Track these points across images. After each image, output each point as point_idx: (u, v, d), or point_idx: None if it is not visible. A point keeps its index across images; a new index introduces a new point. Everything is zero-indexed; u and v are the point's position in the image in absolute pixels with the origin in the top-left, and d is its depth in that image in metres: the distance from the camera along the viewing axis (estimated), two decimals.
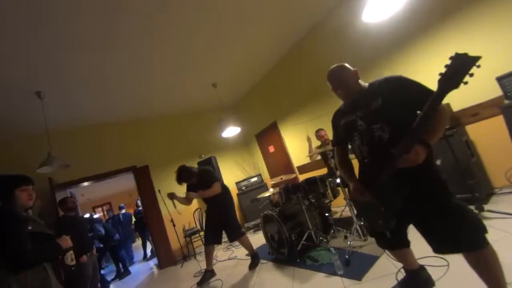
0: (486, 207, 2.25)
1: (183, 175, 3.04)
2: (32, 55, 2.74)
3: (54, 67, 3.04)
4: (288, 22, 3.74)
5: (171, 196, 3.04)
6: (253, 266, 3.03)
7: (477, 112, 2.65)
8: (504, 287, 1.10)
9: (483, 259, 1.10)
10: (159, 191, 4.81)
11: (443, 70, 0.94)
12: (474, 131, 2.72)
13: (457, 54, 0.90)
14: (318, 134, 3.74)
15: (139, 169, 4.96)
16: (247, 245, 3.11)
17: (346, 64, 1.42)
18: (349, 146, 1.54)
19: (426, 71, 2.82)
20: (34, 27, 2.41)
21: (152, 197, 4.86)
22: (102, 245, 5.83)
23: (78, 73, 3.29)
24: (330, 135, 3.61)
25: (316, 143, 3.86)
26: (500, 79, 2.22)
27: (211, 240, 3.08)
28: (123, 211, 6.39)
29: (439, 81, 0.94)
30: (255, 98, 5.87)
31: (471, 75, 0.89)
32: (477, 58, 0.88)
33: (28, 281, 1.29)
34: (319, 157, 3.82)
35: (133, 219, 6.58)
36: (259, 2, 3.11)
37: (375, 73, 3.25)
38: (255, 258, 3.10)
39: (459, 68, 0.90)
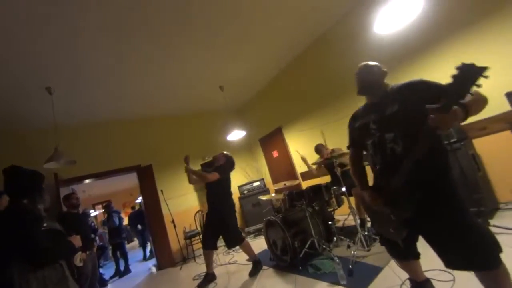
0: (491, 222, 2.24)
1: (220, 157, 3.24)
2: (44, 51, 2.79)
3: (65, 64, 3.09)
4: (298, 28, 3.78)
5: (186, 159, 3.14)
6: (254, 272, 2.97)
7: (485, 126, 2.65)
8: None
9: (495, 278, 1.08)
10: (162, 191, 4.84)
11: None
12: (481, 145, 2.72)
13: (463, 64, 0.87)
14: (321, 150, 3.62)
15: (142, 168, 4.98)
16: (249, 251, 3.06)
17: (377, 63, 1.41)
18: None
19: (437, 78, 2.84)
20: (46, 23, 2.45)
21: (154, 197, 4.87)
22: (101, 243, 5.84)
23: (87, 71, 3.35)
24: (341, 142, 3.62)
25: (315, 157, 3.80)
26: (509, 95, 2.22)
27: (209, 245, 3.06)
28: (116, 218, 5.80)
29: (447, 91, 0.93)
30: (261, 102, 5.90)
31: (479, 86, 0.86)
32: (484, 68, 0.84)
33: (46, 277, 1.31)
34: (316, 170, 3.78)
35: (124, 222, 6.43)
36: (270, 7, 3.15)
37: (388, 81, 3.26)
38: (257, 264, 3.03)
39: (466, 79, 0.87)
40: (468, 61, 0.87)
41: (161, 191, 4.84)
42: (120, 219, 5.78)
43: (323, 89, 4.28)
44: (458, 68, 0.88)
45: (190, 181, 3.20)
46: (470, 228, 1.11)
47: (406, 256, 1.45)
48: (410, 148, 1.15)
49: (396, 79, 3.17)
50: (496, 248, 1.07)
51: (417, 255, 1.43)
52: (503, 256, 1.06)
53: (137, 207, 7.31)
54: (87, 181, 4.85)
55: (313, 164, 3.74)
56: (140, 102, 4.71)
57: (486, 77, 0.85)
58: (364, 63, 1.43)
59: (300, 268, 2.60)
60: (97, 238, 5.70)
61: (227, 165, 3.23)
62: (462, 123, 1.01)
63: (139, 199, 6.45)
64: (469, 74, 0.86)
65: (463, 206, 1.16)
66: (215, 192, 3.09)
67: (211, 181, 3.01)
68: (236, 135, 4.84)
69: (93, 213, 7.95)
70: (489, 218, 2.33)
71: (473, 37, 2.62)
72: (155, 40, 3.15)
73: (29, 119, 4.03)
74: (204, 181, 3.04)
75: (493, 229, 2.10)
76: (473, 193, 2.34)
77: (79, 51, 2.95)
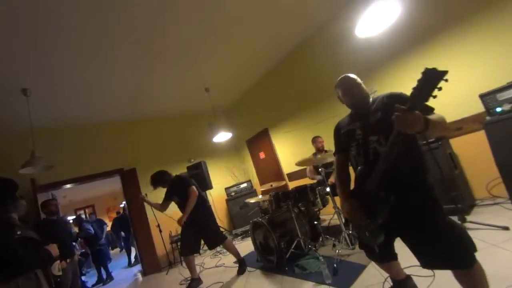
0: (468, 218, 2.34)
1: (156, 177, 3.16)
2: (20, 52, 2.67)
3: (43, 66, 2.97)
4: (283, 31, 3.82)
5: (142, 199, 3.22)
6: (241, 271, 3.01)
7: (461, 127, 2.77)
8: None
9: (471, 277, 1.12)
10: (146, 195, 4.72)
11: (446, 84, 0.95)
12: (458, 144, 2.84)
13: (426, 69, 0.92)
14: (315, 141, 3.75)
15: (126, 172, 4.85)
16: (232, 250, 3.09)
17: (354, 76, 1.44)
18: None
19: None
20: (23, 24, 2.35)
21: (138, 201, 4.74)
22: (83, 250, 5.64)
23: (66, 73, 3.24)
24: (328, 143, 3.69)
25: (312, 150, 3.87)
26: (482, 96, 2.33)
27: (190, 250, 3.02)
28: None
29: (411, 94, 0.97)
30: (247, 104, 5.91)
31: (439, 89, 0.91)
32: (444, 72, 0.89)
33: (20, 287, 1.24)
34: (317, 178, 3.80)
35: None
36: (255, 9, 3.16)
37: (370, 85, 3.35)
38: (242, 264, 3.07)
39: (428, 82, 0.92)
40: (440, 65, 0.91)
41: (146, 194, 4.72)
42: (101, 226, 5.58)
43: (309, 91, 4.34)
44: (422, 72, 0.93)
45: (163, 210, 3.21)
46: (446, 230, 1.14)
47: (384, 259, 1.48)
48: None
49: (377, 80, 3.26)
50: (471, 247, 1.11)
51: (394, 257, 1.46)
52: (480, 250, 1.10)
53: (121, 211, 7.11)
54: (67, 186, 4.67)
55: (313, 154, 3.74)
56: (123, 104, 4.59)
57: (446, 80, 0.90)
58: (347, 78, 1.44)
59: (287, 268, 2.60)
60: (77, 245, 5.51)
61: (185, 177, 3.28)
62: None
63: (124, 204, 6.27)
64: (431, 77, 0.91)
65: (438, 206, 1.19)
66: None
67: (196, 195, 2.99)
68: (222, 136, 4.81)
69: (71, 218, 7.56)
70: (466, 215, 2.43)
71: (450, 40, 2.74)
72: (137, 42, 3.09)
73: (4, 122, 3.83)
74: (194, 201, 2.96)
75: (470, 225, 2.21)
76: (451, 191, 2.43)
77: (57, 53, 2.85)
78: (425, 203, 1.20)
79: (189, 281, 3.06)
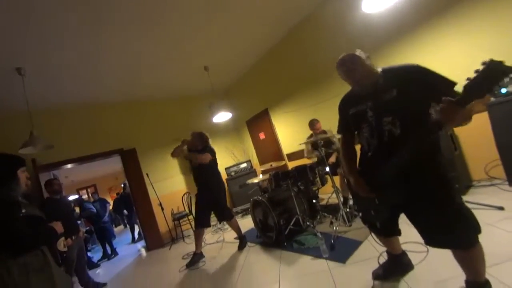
0: (464, 198, 2.36)
1: (201, 136, 3.23)
2: (13, 30, 2.56)
3: (36, 45, 2.87)
4: (284, 7, 3.65)
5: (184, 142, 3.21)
6: (241, 246, 3.15)
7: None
8: (482, 276, 1.16)
9: (470, 257, 1.15)
10: (147, 174, 4.79)
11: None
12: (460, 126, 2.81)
13: (491, 61, 0.81)
14: (314, 126, 3.62)
15: (126, 152, 4.87)
16: (236, 227, 3.21)
17: (358, 52, 1.30)
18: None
19: (426, 62, 2.86)
20: (14, 1, 2.23)
21: (139, 181, 4.82)
22: (88, 228, 5.81)
23: (62, 54, 3.14)
24: (328, 123, 3.65)
25: (308, 133, 3.84)
26: None
27: (202, 223, 3.14)
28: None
29: (467, 86, 0.86)
30: (247, 84, 5.80)
31: (501, 86, 0.84)
32: None
33: (27, 264, 1.28)
34: (314, 154, 3.78)
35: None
36: None
37: (374, 63, 3.25)
38: (243, 240, 3.20)
39: (491, 76, 0.81)
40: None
41: (147, 174, 4.79)
42: (103, 205, 5.70)
43: (310, 71, 4.24)
44: (484, 63, 0.82)
45: (174, 155, 3.23)
46: (456, 210, 1.14)
47: (388, 234, 1.52)
48: (408, 131, 1.12)
49: (383, 59, 3.13)
50: (476, 228, 1.12)
51: (398, 232, 1.48)
52: None
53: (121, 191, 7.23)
54: (68, 166, 4.70)
55: (308, 137, 3.67)
56: (121, 84, 4.49)
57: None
58: (345, 55, 1.31)
59: (285, 244, 2.70)
60: (82, 222, 5.67)
61: (210, 146, 3.26)
62: None
63: (124, 183, 6.35)
64: (496, 72, 0.81)
65: (450, 186, 1.16)
66: (206, 173, 3.12)
67: (203, 163, 3.02)
68: (222, 117, 4.78)
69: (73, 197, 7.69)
70: (463, 195, 2.48)
71: (457, 18, 2.59)
72: (135, 22, 2.97)
73: (1, 103, 3.77)
74: (201, 161, 3.04)
75: (466, 205, 2.25)
76: (450, 172, 2.47)
77: (50, 32, 2.74)
78: (439, 183, 1.17)
79: (191, 256, 3.18)
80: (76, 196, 8.57)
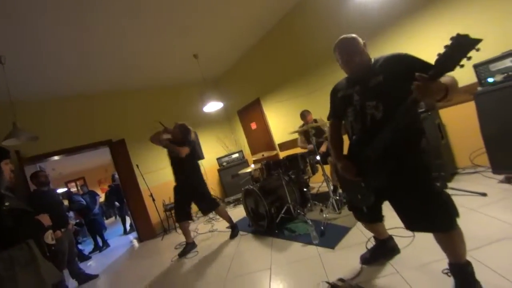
0: (449, 184, 2.46)
1: (183, 128, 3.14)
2: None
3: (16, 31, 2.73)
4: None
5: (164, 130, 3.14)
6: (233, 235, 3.17)
7: (452, 97, 2.77)
8: (463, 258, 1.21)
9: (450, 239, 1.20)
10: (137, 166, 4.72)
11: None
12: (447, 115, 2.87)
13: (458, 35, 0.86)
14: (305, 117, 3.63)
15: (115, 143, 4.78)
16: (225, 216, 3.22)
17: (355, 37, 1.31)
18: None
19: (421, 48, 2.82)
20: None
21: (129, 172, 4.75)
22: (78, 220, 5.73)
23: (46, 42, 3.03)
24: (319, 113, 3.65)
25: (300, 122, 3.84)
26: (476, 66, 2.28)
27: (183, 217, 3.14)
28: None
29: (437, 61, 0.91)
30: (239, 73, 5.72)
31: (469, 58, 0.86)
32: (478, 40, 0.83)
33: (13, 258, 1.25)
34: (308, 147, 3.78)
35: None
36: None
37: (369, 51, 3.24)
38: (234, 228, 3.23)
39: (458, 50, 0.86)
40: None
41: (137, 166, 4.72)
42: (93, 198, 5.62)
43: (301, 60, 4.21)
44: (452, 38, 0.87)
45: (152, 140, 3.16)
46: (433, 194, 1.19)
47: (372, 220, 1.57)
48: (390, 116, 1.15)
49: (376, 46, 3.10)
50: (454, 212, 1.17)
51: (381, 219, 1.54)
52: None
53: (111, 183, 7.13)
54: (55, 158, 4.59)
55: (300, 127, 3.67)
56: (110, 74, 4.36)
57: (478, 50, 0.85)
58: (345, 38, 1.31)
59: (277, 231, 2.75)
60: (73, 214, 5.58)
61: (190, 136, 3.20)
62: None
63: (114, 174, 6.25)
64: (463, 45, 0.85)
65: (428, 171, 1.22)
66: (186, 165, 3.07)
67: (181, 156, 2.97)
68: (213, 106, 4.72)
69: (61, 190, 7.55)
70: (448, 182, 2.56)
71: (451, 6, 2.59)
72: (120, 6, 2.85)
73: None
74: (179, 153, 2.98)
75: (451, 191, 2.32)
76: (436, 159, 2.53)
77: (32, 20, 2.63)
78: (417, 167, 1.22)
79: (184, 246, 3.20)
80: (65, 189, 8.42)
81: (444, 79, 0.98)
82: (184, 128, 3.15)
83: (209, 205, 3.17)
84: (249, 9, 3.74)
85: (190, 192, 3.09)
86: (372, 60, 1.32)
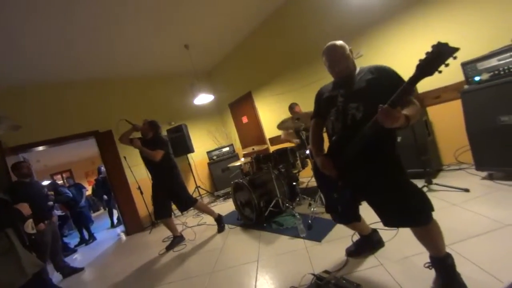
0: (434, 180, 2.52)
1: (156, 125, 3.08)
2: None
3: None
4: None
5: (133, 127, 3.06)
6: (221, 228, 3.15)
7: (439, 95, 2.83)
8: (442, 251, 1.25)
9: (426, 233, 1.24)
10: (125, 158, 4.63)
11: (423, 52, 0.97)
12: (434, 112, 2.92)
13: (438, 43, 0.93)
14: (292, 109, 3.69)
15: (101, 134, 4.65)
16: (206, 210, 3.21)
17: (342, 44, 1.41)
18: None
19: (408, 49, 2.87)
20: None
21: (116, 164, 4.66)
22: (64, 213, 5.60)
23: (27, 26, 2.86)
24: (311, 107, 3.64)
25: (287, 115, 3.82)
26: (464, 65, 2.31)
27: (162, 215, 3.11)
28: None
29: (417, 66, 0.98)
30: (230, 66, 5.65)
31: (447, 65, 0.93)
32: (456, 49, 0.91)
33: None
34: (295, 142, 3.81)
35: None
36: None
37: (357, 48, 3.25)
38: (220, 222, 3.20)
39: (438, 57, 0.93)
40: (439, 32, 0.90)
41: (124, 157, 4.63)
42: (80, 190, 5.50)
43: (293, 54, 4.18)
44: (433, 46, 0.94)
45: (122, 141, 3.04)
46: (403, 187, 1.24)
47: (349, 221, 1.60)
48: (369, 117, 1.18)
49: (367, 43, 3.08)
50: (428, 207, 1.21)
51: (358, 218, 1.57)
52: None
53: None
54: (39, 148, 4.44)
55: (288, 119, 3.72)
56: (97, 62, 4.22)
57: (455, 58, 0.91)
58: (332, 45, 1.40)
59: (265, 225, 2.76)
60: (57, 207, 5.44)
61: (161, 136, 3.12)
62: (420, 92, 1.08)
63: (101, 167, 6.11)
64: (442, 53, 0.92)
65: (397, 165, 1.28)
66: (161, 167, 2.98)
67: (155, 160, 2.89)
68: (204, 99, 4.66)
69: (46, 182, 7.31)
70: (433, 178, 2.61)
71: (439, 5, 2.62)
72: None
73: None
74: (150, 157, 2.90)
75: (435, 187, 2.38)
76: (421, 155, 2.58)
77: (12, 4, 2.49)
78: (386, 161, 1.28)
79: (171, 239, 3.17)
80: (50, 181, 8.18)
81: (408, 109, 1.11)
82: (153, 125, 3.06)
83: (185, 204, 3.10)
84: (241, 1, 3.67)
85: (165, 192, 3.04)
86: (358, 68, 1.41)
